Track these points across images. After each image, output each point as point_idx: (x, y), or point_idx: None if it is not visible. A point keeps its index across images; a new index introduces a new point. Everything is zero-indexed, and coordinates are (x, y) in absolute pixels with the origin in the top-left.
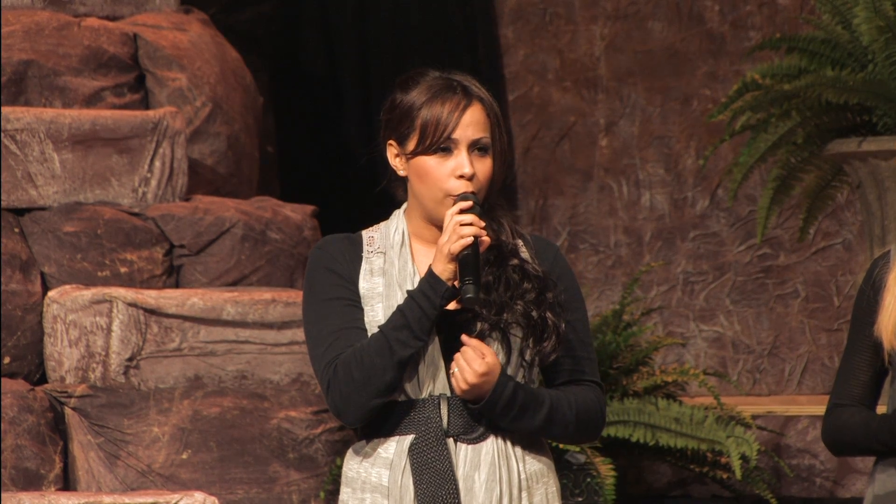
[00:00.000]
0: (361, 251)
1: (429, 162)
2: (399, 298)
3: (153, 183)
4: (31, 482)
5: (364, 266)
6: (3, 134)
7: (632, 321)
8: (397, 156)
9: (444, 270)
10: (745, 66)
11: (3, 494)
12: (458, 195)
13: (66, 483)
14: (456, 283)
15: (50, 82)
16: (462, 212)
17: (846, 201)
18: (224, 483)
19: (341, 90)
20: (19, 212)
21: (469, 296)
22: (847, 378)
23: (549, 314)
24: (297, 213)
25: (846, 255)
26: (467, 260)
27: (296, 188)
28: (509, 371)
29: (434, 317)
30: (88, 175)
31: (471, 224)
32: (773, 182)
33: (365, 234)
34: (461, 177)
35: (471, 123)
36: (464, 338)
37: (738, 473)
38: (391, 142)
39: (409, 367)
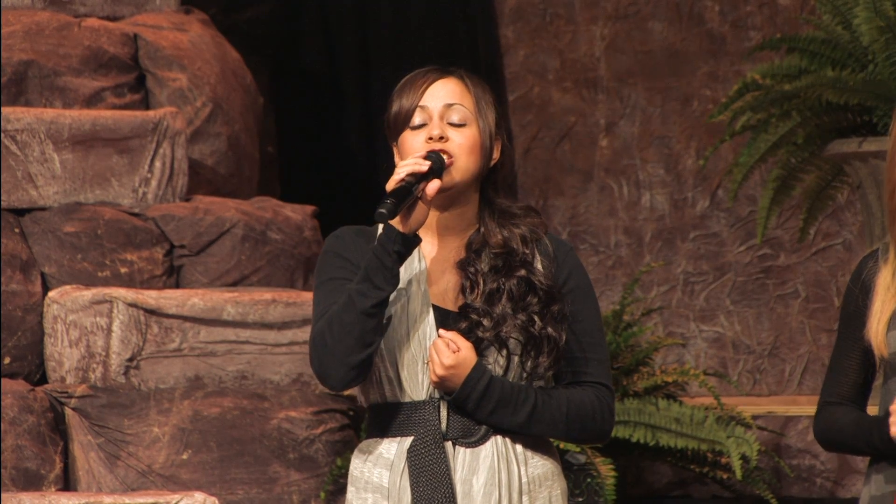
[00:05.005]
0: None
1: (405, 137)
2: (403, 284)
3: (153, 183)
4: (31, 482)
5: None
6: (3, 134)
7: (632, 321)
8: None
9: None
10: (745, 66)
11: (3, 494)
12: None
13: (67, 483)
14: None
15: (50, 82)
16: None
17: (846, 202)
18: (224, 483)
19: (341, 90)
20: (19, 212)
21: (380, 210)
22: (837, 378)
23: (549, 329)
24: (297, 213)
25: (846, 256)
26: (397, 188)
27: (296, 188)
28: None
29: (391, 264)
30: (88, 175)
31: (414, 164)
32: (774, 182)
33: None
34: (430, 139)
35: (442, 91)
36: (440, 331)
37: (739, 474)
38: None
39: (409, 368)
